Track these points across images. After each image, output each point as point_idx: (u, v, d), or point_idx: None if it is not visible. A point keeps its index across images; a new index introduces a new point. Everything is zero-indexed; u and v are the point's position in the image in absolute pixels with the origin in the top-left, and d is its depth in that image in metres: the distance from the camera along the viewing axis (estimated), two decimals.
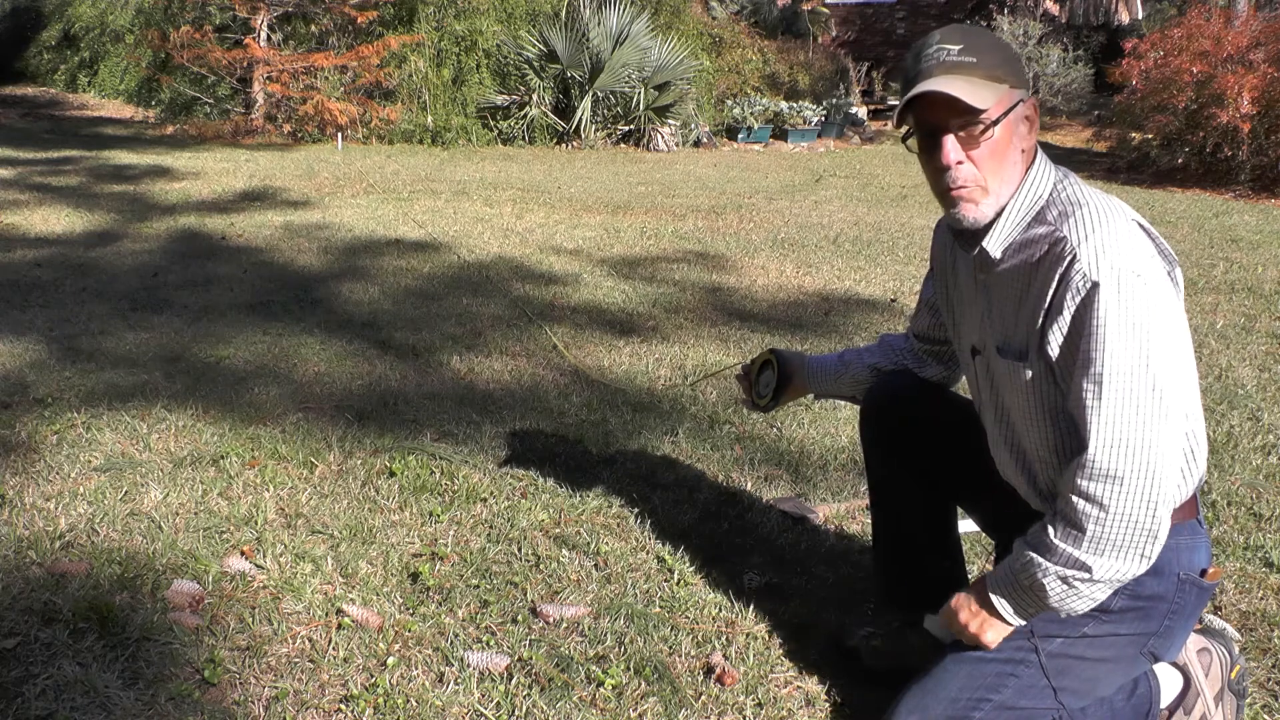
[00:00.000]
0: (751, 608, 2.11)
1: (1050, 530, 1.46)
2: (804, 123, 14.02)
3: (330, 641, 1.95)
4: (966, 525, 2.07)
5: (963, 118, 1.47)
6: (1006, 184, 1.52)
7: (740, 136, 13.84)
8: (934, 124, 1.49)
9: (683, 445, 3.00)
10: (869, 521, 2.51)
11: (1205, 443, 1.58)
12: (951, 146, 1.49)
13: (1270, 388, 3.71)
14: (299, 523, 2.42)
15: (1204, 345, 4.25)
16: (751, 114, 13.97)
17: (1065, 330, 1.45)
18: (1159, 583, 1.53)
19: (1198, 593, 1.55)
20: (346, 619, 2.02)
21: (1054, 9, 17.36)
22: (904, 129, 1.56)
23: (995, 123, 1.47)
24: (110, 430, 2.92)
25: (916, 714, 1.56)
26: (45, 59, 20.73)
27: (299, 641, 1.95)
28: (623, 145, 12.84)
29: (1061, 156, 12.31)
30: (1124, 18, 16.74)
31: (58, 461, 2.70)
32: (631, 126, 12.83)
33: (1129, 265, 1.40)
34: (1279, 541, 2.46)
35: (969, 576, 2.01)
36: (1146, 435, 1.40)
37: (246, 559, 2.23)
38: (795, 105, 14.37)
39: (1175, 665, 1.68)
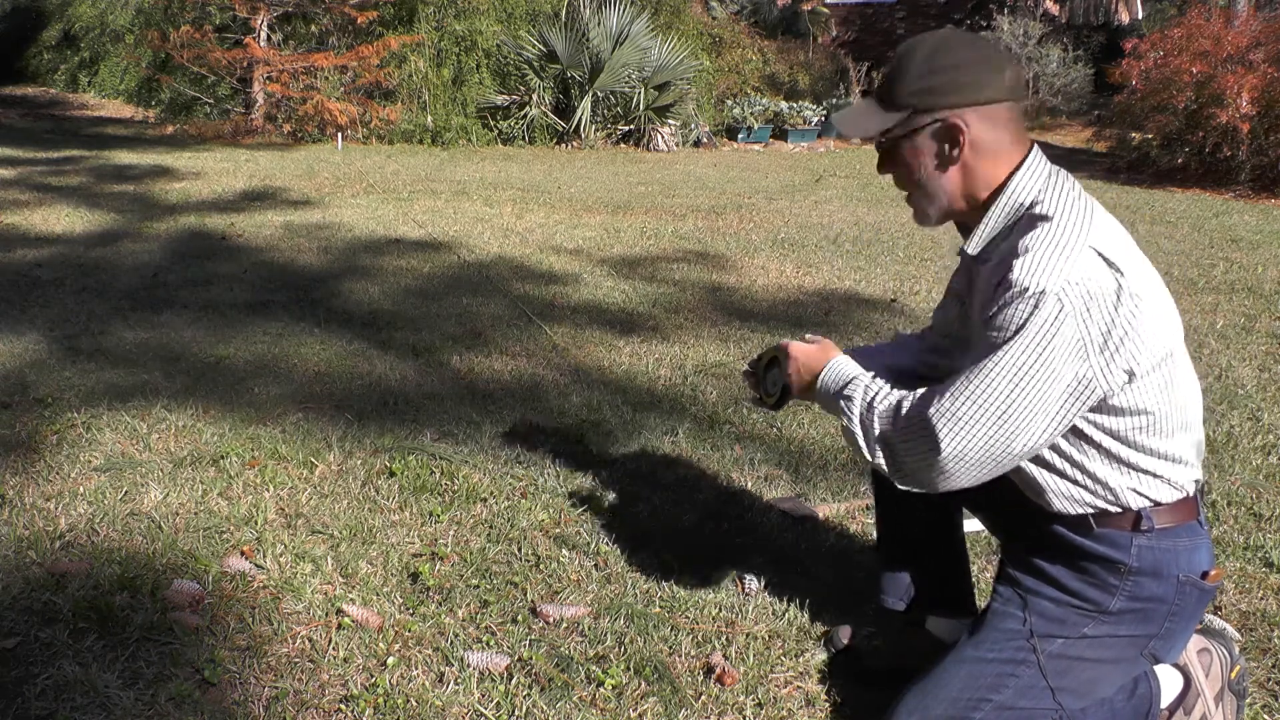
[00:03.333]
0: (751, 608, 2.11)
1: (890, 400, 1.53)
2: (804, 123, 14.02)
3: (330, 641, 1.95)
4: (971, 524, 2.07)
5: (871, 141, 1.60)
6: (936, 197, 1.56)
7: (740, 136, 13.84)
8: None
9: (683, 445, 3.00)
10: (869, 521, 2.52)
11: (1200, 447, 1.57)
12: (881, 161, 1.61)
13: (1270, 388, 3.71)
14: (299, 523, 2.42)
15: (1204, 345, 4.25)
16: (751, 114, 13.98)
17: (987, 327, 1.44)
18: (1159, 585, 1.53)
19: (1198, 594, 1.55)
20: (346, 619, 2.01)
21: (1054, 9, 17.35)
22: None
23: (888, 146, 1.56)
24: (110, 430, 2.92)
25: (917, 714, 1.56)
26: (45, 59, 20.75)
27: (299, 641, 1.95)
28: (623, 145, 12.85)
29: (1061, 156, 12.32)
30: (1124, 18, 16.74)
31: (58, 461, 2.70)
32: (631, 126, 12.84)
33: (1052, 289, 1.37)
34: (1279, 541, 2.46)
35: (973, 576, 2.01)
36: (987, 433, 1.42)
37: (246, 559, 2.23)
38: (795, 105, 14.38)
39: (1175, 665, 1.68)
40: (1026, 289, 1.38)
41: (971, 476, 1.46)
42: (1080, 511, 1.55)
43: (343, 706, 1.78)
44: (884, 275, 5.47)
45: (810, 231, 6.86)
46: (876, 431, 1.52)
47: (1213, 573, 1.54)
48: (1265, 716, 1.82)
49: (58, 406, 3.10)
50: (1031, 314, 1.38)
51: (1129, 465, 1.51)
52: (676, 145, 12.89)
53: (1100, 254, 1.41)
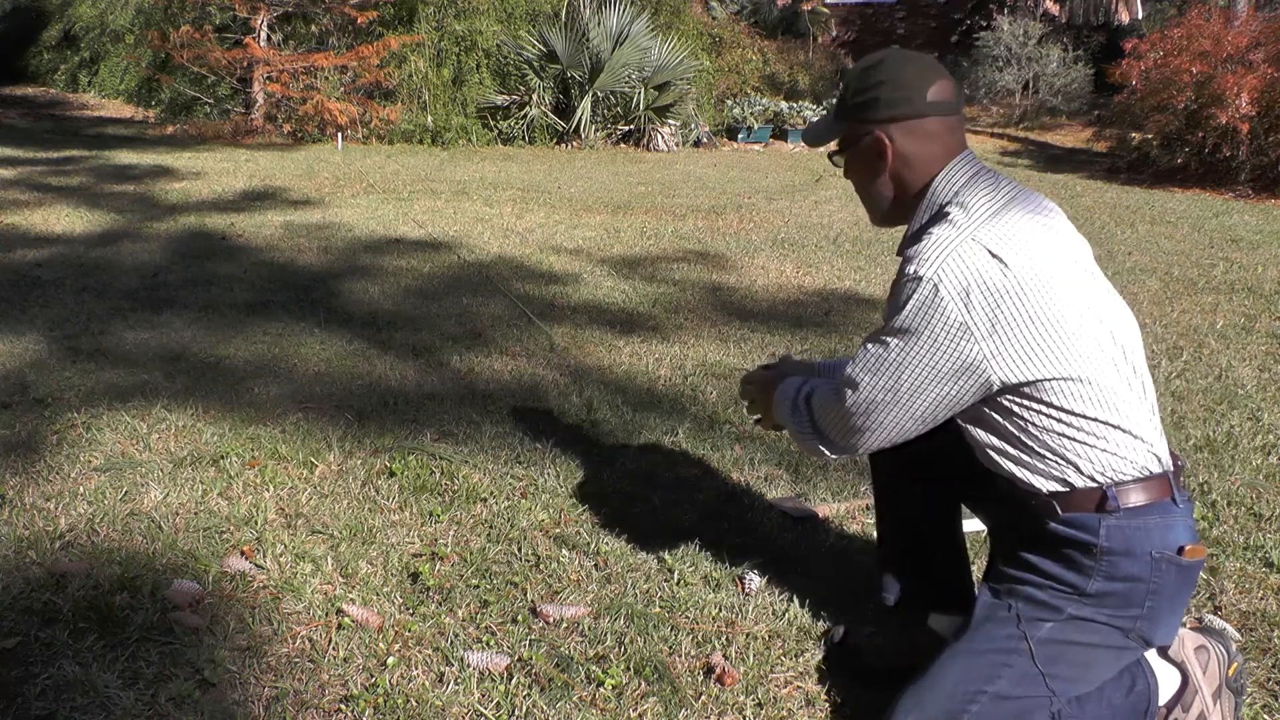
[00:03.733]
0: (751, 608, 2.11)
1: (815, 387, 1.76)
2: (804, 123, 14.01)
3: (330, 641, 1.95)
4: (970, 525, 2.07)
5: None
6: (877, 201, 1.72)
7: (740, 136, 13.85)
8: None
9: (683, 445, 3.00)
10: (869, 521, 2.52)
11: (1155, 436, 1.59)
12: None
13: (1270, 388, 3.71)
14: (299, 523, 2.42)
15: (1204, 345, 4.25)
16: (751, 114, 13.98)
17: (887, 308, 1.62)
18: (1132, 563, 1.55)
19: (1177, 571, 1.55)
20: (346, 619, 2.02)
21: (1054, 9, 17.36)
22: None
23: (838, 154, 1.74)
24: (110, 430, 2.92)
25: (914, 712, 1.56)
26: (45, 59, 20.75)
27: (299, 641, 1.95)
28: (623, 145, 12.85)
29: (1061, 156, 12.34)
30: (1124, 18, 16.74)
31: (58, 461, 2.70)
32: (631, 126, 12.84)
33: (928, 276, 1.51)
34: (1279, 541, 2.46)
35: (973, 574, 2.01)
36: (884, 396, 1.58)
37: (246, 559, 2.23)
38: (795, 105, 14.38)
39: (1173, 663, 1.69)
40: (907, 275, 1.54)
41: (884, 434, 1.62)
42: (1047, 487, 1.58)
43: (343, 706, 1.78)
44: (884, 275, 5.47)
45: (810, 231, 6.86)
46: (805, 411, 1.72)
47: (1188, 548, 1.55)
48: (1265, 716, 1.83)
49: (58, 406, 3.10)
50: (911, 296, 1.52)
51: (1075, 440, 1.55)
52: (676, 145, 12.90)
53: (987, 249, 1.51)
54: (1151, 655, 1.68)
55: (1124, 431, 1.55)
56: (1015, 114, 15.89)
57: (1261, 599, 2.20)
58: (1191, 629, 1.77)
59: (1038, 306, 1.49)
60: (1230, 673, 1.72)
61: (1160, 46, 10.77)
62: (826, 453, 1.71)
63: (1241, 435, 3.19)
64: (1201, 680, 1.69)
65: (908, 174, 1.65)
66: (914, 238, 1.63)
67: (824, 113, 14.15)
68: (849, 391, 1.61)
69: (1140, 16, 16.48)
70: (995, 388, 1.54)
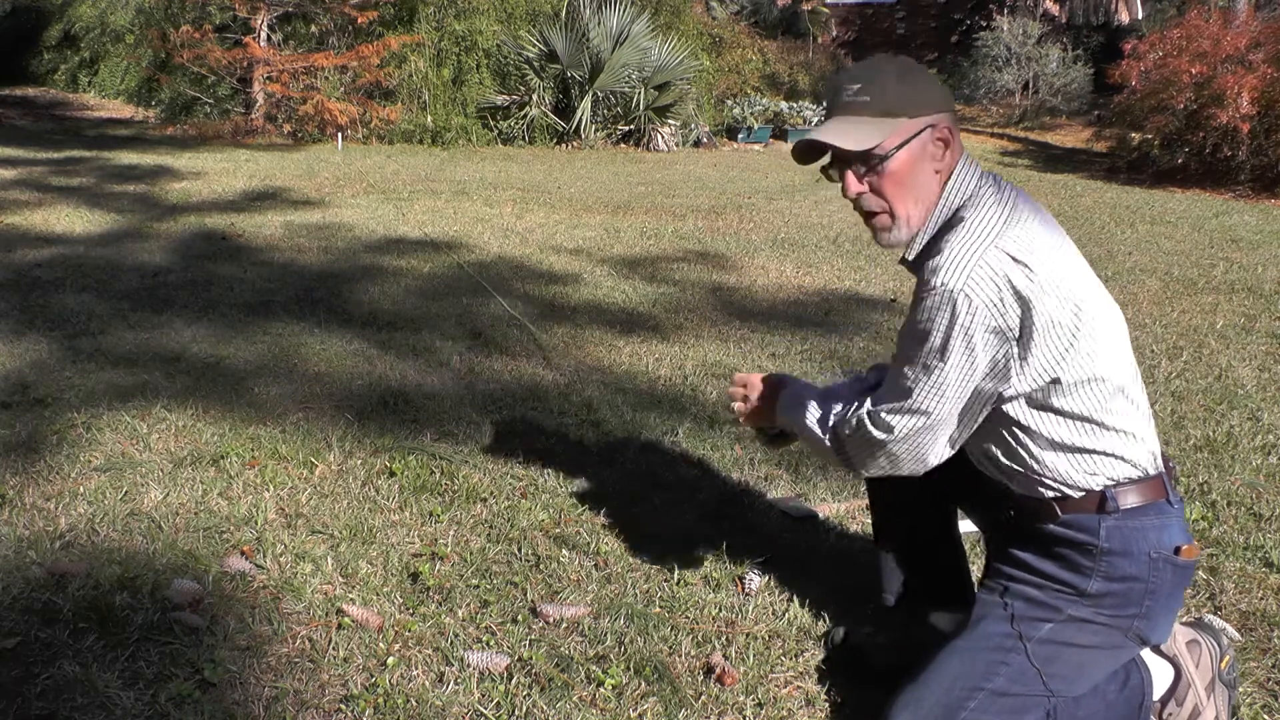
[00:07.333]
0: (751, 608, 2.11)
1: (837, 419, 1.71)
2: (804, 123, 14.02)
3: (330, 641, 1.95)
4: (966, 526, 2.07)
5: (855, 155, 1.60)
6: (918, 205, 1.61)
7: (740, 136, 13.85)
8: (835, 159, 1.64)
9: (683, 445, 3.00)
10: (869, 521, 2.52)
11: (1151, 436, 1.61)
12: (852, 179, 1.63)
13: (1270, 388, 3.71)
14: (299, 523, 2.42)
15: (1204, 345, 4.25)
16: (751, 114, 13.98)
17: (909, 324, 1.58)
18: (1130, 563, 1.56)
19: (1173, 570, 1.57)
20: (346, 619, 2.02)
21: (1054, 9, 17.37)
22: (822, 161, 1.68)
23: (888, 156, 1.58)
24: (110, 430, 2.92)
25: (911, 708, 1.57)
26: (46, 59, 20.74)
27: (299, 641, 1.95)
28: (623, 145, 12.85)
29: (1061, 156, 12.35)
30: (1124, 18, 16.76)
31: (58, 461, 2.70)
32: (631, 126, 12.83)
33: (960, 287, 1.48)
34: (1279, 541, 2.46)
35: (971, 573, 2.01)
36: (917, 419, 1.56)
37: (246, 559, 2.23)
38: (795, 105, 14.39)
39: (1166, 657, 1.70)
40: (935, 288, 1.50)
41: (924, 456, 1.60)
42: (1044, 495, 1.59)
43: (343, 706, 1.78)
44: (884, 275, 5.47)
45: (810, 231, 6.87)
46: (831, 439, 1.69)
47: (1185, 548, 1.56)
48: (1265, 716, 1.83)
49: (58, 406, 3.10)
50: (941, 308, 1.49)
51: (1078, 445, 1.56)
52: (676, 145, 12.90)
53: (1010, 255, 1.49)
54: (1145, 650, 1.69)
55: (1127, 433, 1.56)
56: (1015, 114, 15.89)
57: (1261, 599, 2.20)
58: (1183, 624, 1.78)
59: (1063, 309, 1.49)
60: (1222, 666, 1.73)
61: (1159, 47, 10.79)
62: (850, 470, 1.74)
63: (1241, 435, 3.19)
64: (1194, 674, 1.70)
65: (944, 170, 1.60)
66: (930, 247, 1.60)
67: (822, 109, 14.25)
68: (886, 427, 1.59)
69: (1140, 16, 16.49)
70: (1009, 395, 1.54)
